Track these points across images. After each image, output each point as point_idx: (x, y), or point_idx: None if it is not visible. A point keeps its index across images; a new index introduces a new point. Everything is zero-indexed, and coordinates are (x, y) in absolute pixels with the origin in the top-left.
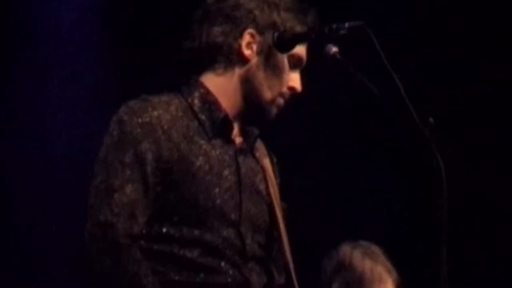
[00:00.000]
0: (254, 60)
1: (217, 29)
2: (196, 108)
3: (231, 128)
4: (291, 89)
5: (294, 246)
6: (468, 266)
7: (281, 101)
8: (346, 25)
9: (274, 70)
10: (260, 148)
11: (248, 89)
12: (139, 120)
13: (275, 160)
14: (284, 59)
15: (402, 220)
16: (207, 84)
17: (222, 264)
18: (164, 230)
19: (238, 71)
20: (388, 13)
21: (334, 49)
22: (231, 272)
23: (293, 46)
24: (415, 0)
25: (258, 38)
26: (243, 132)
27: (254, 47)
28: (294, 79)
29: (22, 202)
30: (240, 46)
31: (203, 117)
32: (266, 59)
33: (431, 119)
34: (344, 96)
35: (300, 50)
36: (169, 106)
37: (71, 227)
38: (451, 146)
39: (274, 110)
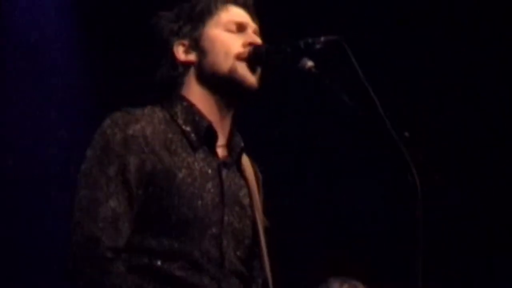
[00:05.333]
0: (195, 57)
1: (158, 69)
2: (180, 120)
3: (216, 138)
4: (250, 44)
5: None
6: (444, 278)
7: (243, 56)
8: (322, 39)
9: (214, 46)
10: (246, 164)
11: (210, 77)
12: (123, 134)
13: (260, 176)
14: (216, 32)
15: (380, 233)
16: (188, 97)
17: (202, 278)
18: (145, 242)
19: (194, 75)
20: (366, 24)
21: (310, 63)
22: (210, 286)
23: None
24: (392, 11)
25: (185, 41)
26: (228, 146)
27: (189, 49)
28: (247, 37)
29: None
30: (180, 60)
31: (187, 128)
32: (202, 46)
33: (406, 133)
34: (319, 110)
35: (233, 14)
36: (152, 119)
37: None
38: (428, 160)
39: (243, 68)
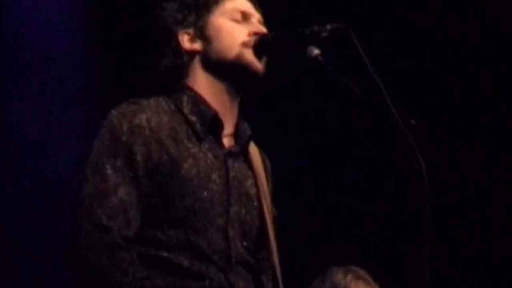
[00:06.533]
0: (201, 45)
1: (163, 59)
2: (186, 110)
3: (222, 127)
4: (255, 33)
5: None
6: (450, 267)
7: (250, 44)
8: (328, 27)
9: (220, 35)
10: (253, 153)
11: (217, 64)
12: (129, 124)
13: (268, 165)
14: (222, 21)
15: (384, 222)
16: (193, 86)
17: (208, 268)
18: (152, 233)
19: (200, 64)
20: (371, 14)
21: (316, 51)
22: (216, 277)
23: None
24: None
25: (190, 30)
26: (235, 135)
27: (194, 38)
28: (252, 26)
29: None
30: (185, 48)
31: (193, 118)
32: (207, 35)
33: (413, 121)
34: (325, 98)
35: (238, 3)
36: (158, 109)
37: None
38: (433, 148)
39: (250, 54)
